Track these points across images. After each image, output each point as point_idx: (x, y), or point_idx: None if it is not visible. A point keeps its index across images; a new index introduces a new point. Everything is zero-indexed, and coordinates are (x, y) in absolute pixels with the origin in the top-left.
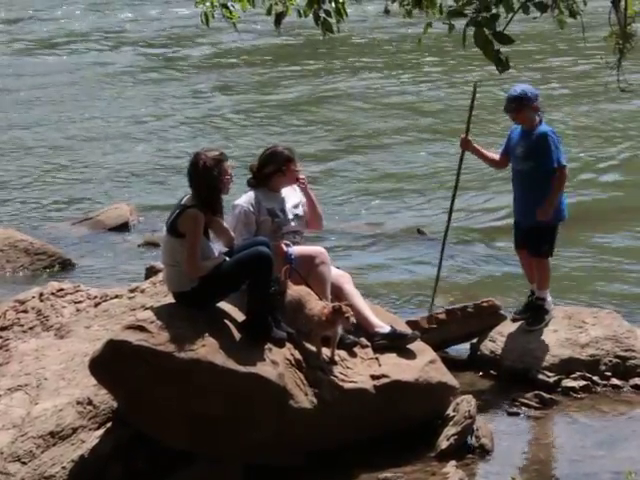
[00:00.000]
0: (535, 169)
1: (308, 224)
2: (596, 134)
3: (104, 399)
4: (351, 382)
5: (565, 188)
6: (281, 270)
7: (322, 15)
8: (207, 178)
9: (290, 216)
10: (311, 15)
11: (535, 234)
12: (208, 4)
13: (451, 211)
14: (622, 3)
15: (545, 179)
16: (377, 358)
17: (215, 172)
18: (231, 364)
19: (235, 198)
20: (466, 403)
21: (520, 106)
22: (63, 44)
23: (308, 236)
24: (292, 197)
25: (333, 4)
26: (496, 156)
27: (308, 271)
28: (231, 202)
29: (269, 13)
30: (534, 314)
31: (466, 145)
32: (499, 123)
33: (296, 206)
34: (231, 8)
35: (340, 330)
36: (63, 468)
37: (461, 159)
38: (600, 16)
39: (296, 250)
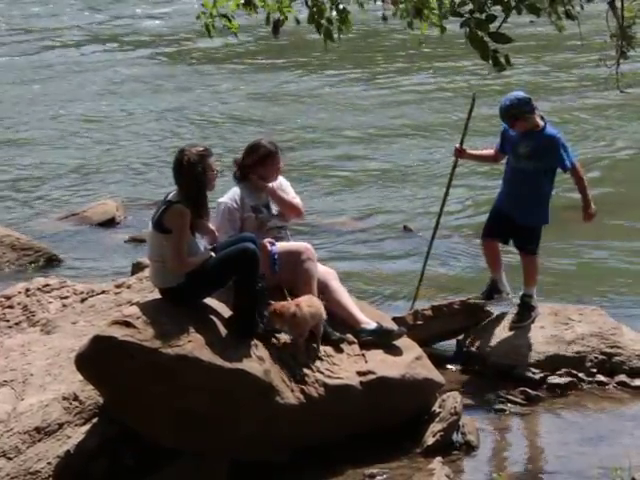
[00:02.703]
0: (539, 169)
1: (285, 215)
2: (585, 130)
3: (90, 395)
4: (337, 378)
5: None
6: (266, 267)
7: (324, 23)
8: (191, 174)
9: (274, 212)
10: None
11: (527, 233)
12: (208, 17)
13: (440, 214)
14: (618, 3)
15: (547, 179)
16: (363, 354)
17: (199, 168)
18: (217, 360)
19: (222, 194)
20: (452, 399)
21: (515, 119)
22: (58, 40)
23: (295, 229)
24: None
25: (335, 13)
26: (490, 151)
27: (294, 267)
28: (217, 198)
29: (268, 22)
30: (521, 311)
31: (460, 155)
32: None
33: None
34: (231, 18)
35: (322, 328)
36: (49, 464)
37: (454, 167)
38: (600, 15)
39: (282, 246)
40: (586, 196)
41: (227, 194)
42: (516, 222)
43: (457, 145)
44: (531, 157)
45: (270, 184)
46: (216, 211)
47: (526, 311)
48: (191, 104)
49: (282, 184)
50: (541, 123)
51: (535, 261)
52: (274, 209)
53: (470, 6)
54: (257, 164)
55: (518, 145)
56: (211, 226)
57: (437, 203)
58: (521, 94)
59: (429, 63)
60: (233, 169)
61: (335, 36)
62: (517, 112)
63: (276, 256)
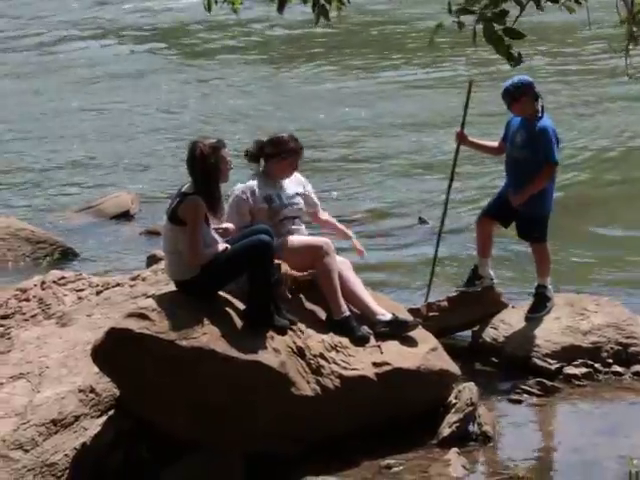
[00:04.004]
0: (530, 159)
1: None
2: (600, 119)
3: (106, 387)
4: (353, 370)
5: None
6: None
7: (321, 1)
8: (204, 166)
9: (286, 202)
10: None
11: (527, 221)
12: None
13: (447, 203)
14: None
15: (538, 170)
16: (379, 346)
17: (212, 160)
18: (233, 352)
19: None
20: (468, 390)
21: (512, 99)
22: (65, 34)
23: (309, 221)
24: (292, 187)
25: None
26: (494, 143)
27: (313, 262)
28: (231, 189)
29: None
30: (536, 302)
31: (462, 139)
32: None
33: (295, 196)
34: None
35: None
36: (65, 456)
37: (456, 153)
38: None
39: (300, 240)
40: (533, 189)
41: (240, 185)
42: (515, 210)
43: (457, 129)
44: (524, 147)
45: (324, 215)
46: (229, 199)
47: (541, 302)
48: (205, 98)
49: (301, 181)
50: (539, 112)
51: (543, 250)
52: (287, 200)
53: (485, 1)
54: (277, 157)
55: (516, 133)
56: (226, 224)
57: (458, 198)
58: (525, 77)
59: (439, 54)
60: (251, 148)
61: (332, 14)
62: (515, 92)
63: None
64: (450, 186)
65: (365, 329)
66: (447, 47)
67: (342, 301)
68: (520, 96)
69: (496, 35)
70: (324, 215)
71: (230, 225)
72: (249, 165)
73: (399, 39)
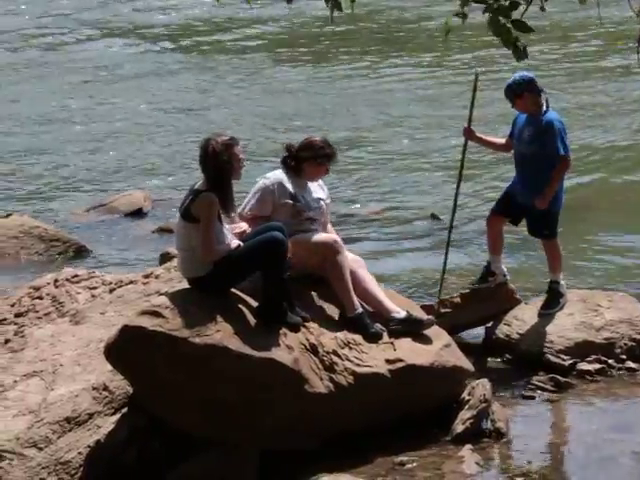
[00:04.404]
0: (539, 154)
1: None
2: (612, 114)
3: (120, 385)
4: (366, 366)
5: (573, 171)
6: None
7: None
8: (217, 163)
9: (312, 204)
10: None
11: (536, 217)
12: None
13: (456, 199)
14: None
15: (547, 165)
16: (392, 342)
17: (225, 157)
18: (246, 349)
19: (248, 184)
20: (481, 387)
21: (515, 96)
22: (81, 34)
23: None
24: (317, 191)
25: None
26: (502, 140)
27: (323, 259)
28: (244, 186)
29: None
30: (549, 298)
31: (469, 135)
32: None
33: (319, 200)
34: None
35: None
36: (79, 453)
37: (464, 148)
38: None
39: (311, 238)
40: (554, 186)
41: (273, 173)
42: (524, 205)
43: (465, 125)
44: (531, 142)
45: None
46: (257, 185)
47: (554, 298)
48: (216, 98)
49: (323, 187)
50: (544, 107)
51: (554, 246)
52: (312, 202)
53: None
54: (311, 161)
55: (523, 129)
56: (242, 224)
57: (470, 194)
58: (525, 73)
59: (454, 52)
60: (264, 164)
61: (344, 5)
62: (517, 89)
63: None
64: (459, 182)
65: (378, 326)
66: (462, 45)
67: (355, 298)
68: (522, 92)
69: (505, 28)
70: (330, 229)
71: (245, 226)
72: (261, 164)
73: (414, 36)
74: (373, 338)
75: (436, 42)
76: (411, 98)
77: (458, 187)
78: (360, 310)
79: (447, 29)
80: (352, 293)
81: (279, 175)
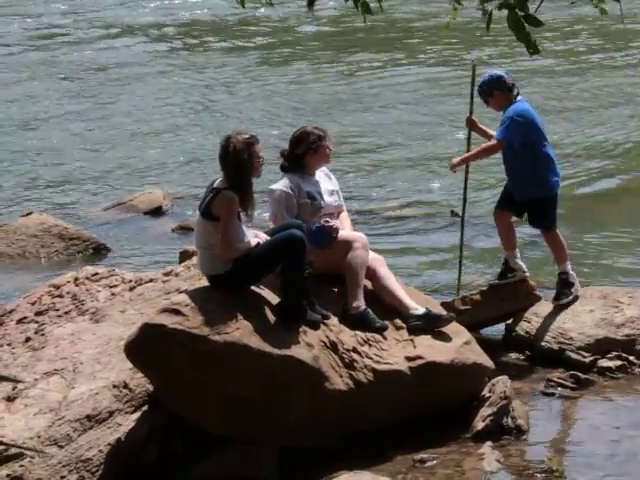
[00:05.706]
0: (506, 147)
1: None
2: (617, 112)
3: (140, 382)
4: (386, 364)
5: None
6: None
7: None
8: (237, 161)
9: (326, 199)
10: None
11: (529, 208)
12: None
13: (465, 193)
14: None
15: (521, 154)
16: (412, 340)
17: (245, 155)
18: (266, 347)
19: (267, 181)
20: (502, 384)
21: (487, 95)
22: (92, 35)
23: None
24: (327, 183)
25: None
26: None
27: (346, 255)
28: (264, 185)
29: None
30: (560, 289)
31: (472, 124)
32: None
33: (332, 193)
34: None
35: None
36: (100, 451)
37: (469, 139)
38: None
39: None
40: (470, 158)
41: (280, 181)
42: (518, 199)
43: (467, 114)
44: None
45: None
46: (269, 198)
47: (564, 288)
48: (234, 97)
49: (331, 176)
50: (514, 100)
51: (555, 237)
52: (326, 196)
53: None
54: (309, 152)
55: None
56: (262, 235)
57: (483, 188)
58: (495, 72)
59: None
60: (280, 161)
61: (373, 6)
62: (487, 89)
63: (334, 234)
64: (467, 174)
65: (380, 323)
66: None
67: (362, 295)
68: (492, 91)
69: (518, 21)
70: (345, 217)
71: (265, 236)
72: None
73: (431, 32)
74: (379, 330)
75: (441, 38)
76: (420, 95)
77: (466, 180)
78: (362, 308)
79: (454, 15)
80: (361, 290)
81: (285, 181)
